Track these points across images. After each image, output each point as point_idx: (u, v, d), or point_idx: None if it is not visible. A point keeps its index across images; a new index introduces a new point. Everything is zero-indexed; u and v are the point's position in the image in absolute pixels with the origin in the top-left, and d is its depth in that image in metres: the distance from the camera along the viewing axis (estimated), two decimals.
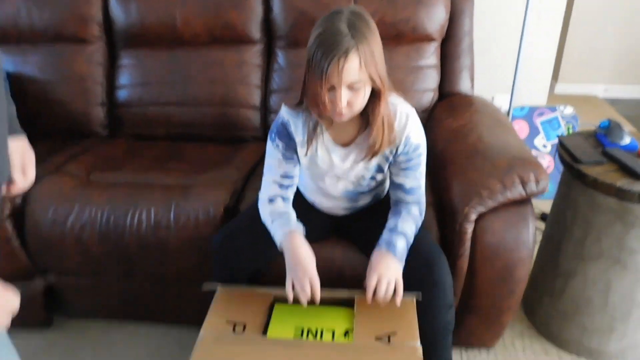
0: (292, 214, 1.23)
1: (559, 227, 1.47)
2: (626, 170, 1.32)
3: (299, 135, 1.19)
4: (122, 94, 1.96)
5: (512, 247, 1.28)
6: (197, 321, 1.15)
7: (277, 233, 1.19)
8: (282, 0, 1.84)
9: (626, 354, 1.47)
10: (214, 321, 1.15)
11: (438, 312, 1.21)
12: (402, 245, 1.15)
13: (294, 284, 1.13)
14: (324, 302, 1.20)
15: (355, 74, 1.01)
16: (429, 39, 1.85)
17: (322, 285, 1.13)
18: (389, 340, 1.08)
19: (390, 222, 1.20)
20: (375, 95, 1.09)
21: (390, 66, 1.80)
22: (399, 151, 1.16)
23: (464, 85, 1.89)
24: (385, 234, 1.17)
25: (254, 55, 1.91)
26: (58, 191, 1.52)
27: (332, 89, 1.03)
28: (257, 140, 1.89)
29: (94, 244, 1.47)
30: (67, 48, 1.94)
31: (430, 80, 1.85)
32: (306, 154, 1.20)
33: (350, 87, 1.03)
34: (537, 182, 1.27)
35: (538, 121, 2.26)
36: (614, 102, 3.42)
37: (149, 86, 1.92)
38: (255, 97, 1.90)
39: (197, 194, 1.48)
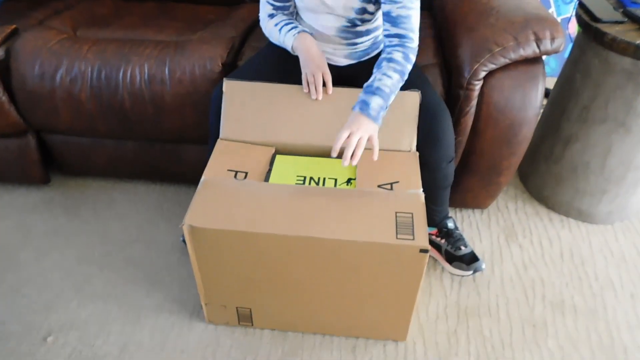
0: (297, 22, 1.24)
1: (566, 92, 1.44)
2: None
3: None
4: None
5: (519, 107, 1.25)
6: (194, 180, 1.15)
7: (288, 36, 1.21)
8: None
9: (612, 215, 1.52)
10: (214, 169, 1.15)
11: (439, 166, 1.22)
12: (377, 103, 1.08)
13: (307, 77, 1.17)
14: (326, 154, 1.20)
15: None
16: None
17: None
18: (391, 188, 1.09)
19: (371, 78, 1.13)
20: None
21: None
22: None
23: None
24: (361, 94, 1.11)
25: None
26: (43, 45, 1.43)
27: None
28: (253, 1, 1.77)
29: (86, 100, 1.42)
30: None
31: None
32: None
33: None
34: (553, 39, 1.21)
35: None
36: None
37: None
38: None
39: (192, 49, 1.40)
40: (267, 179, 1.14)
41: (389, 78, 1.10)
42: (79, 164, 1.64)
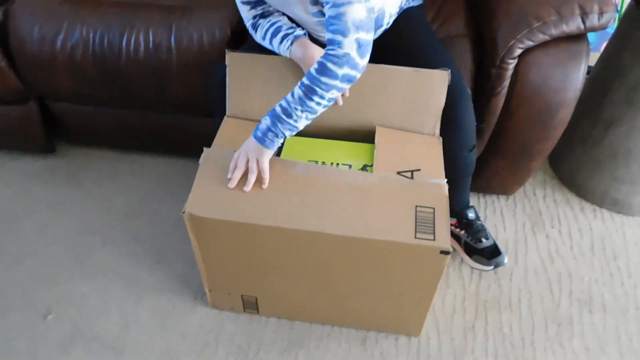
0: (283, 21, 1.09)
1: (612, 70, 1.30)
2: None
3: None
4: None
5: (558, 88, 1.13)
6: (198, 155, 1.06)
7: (283, 49, 1.06)
8: None
9: None
10: (222, 144, 1.06)
11: (458, 153, 1.11)
12: (265, 124, 0.96)
13: None
14: (340, 136, 1.10)
15: None
16: None
17: None
18: (411, 176, 0.99)
19: None
20: None
21: None
22: None
23: None
24: None
25: None
26: (42, 7, 1.34)
27: None
28: None
29: (88, 66, 1.33)
30: None
31: None
32: None
33: None
34: (601, 14, 1.07)
35: None
36: None
37: None
38: None
39: (200, 14, 1.29)
40: None
41: (290, 96, 0.94)
42: (83, 133, 1.57)
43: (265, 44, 1.10)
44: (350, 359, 1.13)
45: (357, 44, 0.90)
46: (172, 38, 1.27)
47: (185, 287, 1.27)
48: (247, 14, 1.12)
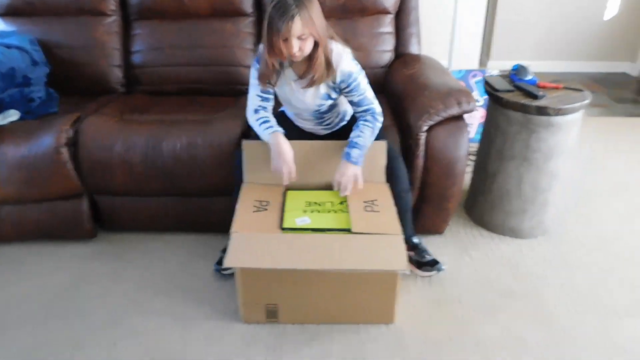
0: (273, 120, 1.69)
1: (487, 141, 2.03)
2: (528, 94, 1.88)
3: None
4: (137, 58, 2.35)
5: (452, 149, 1.80)
6: (220, 229, 1.59)
7: (264, 134, 1.66)
8: None
9: (535, 230, 2.04)
10: (246, 200, 1.61)
11: (399, 195, 1.72)
12: (356, 153, 1.61)
13: (275, 169, 1.63)
14: (320, 188, 1.69)
15: (299, 29, 1.45)
16: (385, 12, 2.36)
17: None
18: (372, 203, 1.58)
19: (350, 136, 1.65)
20: (317, 44, 1.52)
21: (356, 33, 2.34)
22: (337, 81, 1.59)
23: (413, 48, 2.41)
24: (346, 147, 1.63)
25: (247, 25, 2.36)
26: (103, 125, 1.92)
27: (286, 40, 1.47)
28: None
29: (137, 164, 1.87)
30: (88, 20, 2.32)
31: (387, 44, 2.36)
32: (276, 83, 1.67)
33: (299, 38, 1.47)
34: (468, 102, 1.80)
35: (473, 81, 2.83)
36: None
37: (160, 50, 2.32)
38: (250, 58, 2.34)
39: (218, 123, 1.92)
40: (284, 207, 1.61)
41: (363, 133, 1.63)
42: (121, 220, 2.05)
43: (256, 124, 1.68)
44: (353, 341, 1.58)
45: (377, 102, 1.65)
46: (199, 139, 1.87)
47: (223, 315, 1.68)
48: (256, 101, 1.69)
